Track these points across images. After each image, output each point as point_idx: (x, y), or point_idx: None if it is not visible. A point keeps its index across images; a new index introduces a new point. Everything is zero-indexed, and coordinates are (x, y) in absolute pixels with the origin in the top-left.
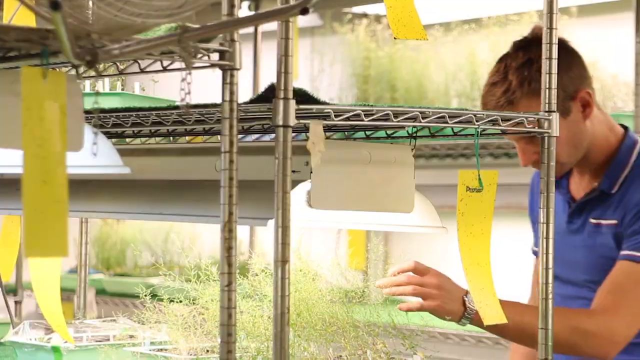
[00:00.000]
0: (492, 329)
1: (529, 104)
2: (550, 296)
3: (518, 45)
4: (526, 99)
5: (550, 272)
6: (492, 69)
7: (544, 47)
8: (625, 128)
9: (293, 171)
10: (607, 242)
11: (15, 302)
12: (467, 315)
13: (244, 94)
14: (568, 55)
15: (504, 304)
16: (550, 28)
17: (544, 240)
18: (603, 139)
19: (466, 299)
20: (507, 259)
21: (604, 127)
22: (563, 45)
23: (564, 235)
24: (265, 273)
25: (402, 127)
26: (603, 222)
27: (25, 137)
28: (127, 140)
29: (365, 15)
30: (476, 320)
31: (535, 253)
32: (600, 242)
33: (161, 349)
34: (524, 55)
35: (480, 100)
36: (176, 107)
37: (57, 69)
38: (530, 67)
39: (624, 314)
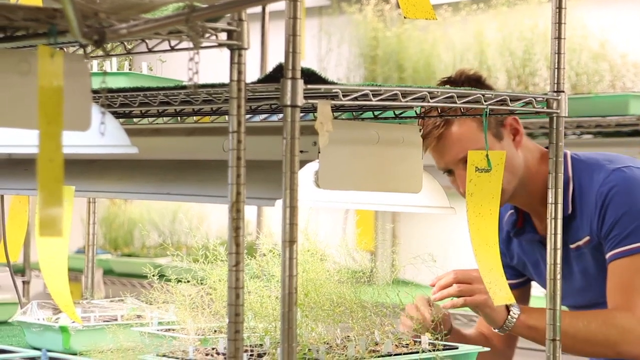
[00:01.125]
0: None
1: (465, 124)
2: (558, 277)
3: (444, 81)
4: (457, 125)
5: (559, 252)
6: None
7: (552, 27)
8: None
9: (301, 151)
10: (594, 259)
11: (23, 282)
12: (508, 322)
13: (252, 73)
14: (490, 87)
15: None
16: (560, 8)
17: (552, 220)
18: (536, 167)
19: (509, 305)
20: None
21: (536, 155)
22: (481, 79)
23: None
24: (273, 253)
25: (411, 107)
26: (581, 242)
27: (40, 116)
28: (135, 120)
29: None
30: (519, 328)
31: None
32: (590, 261)
33: (169, 329)
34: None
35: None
36: (184, 87)
37: (64, 49)
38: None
39: None
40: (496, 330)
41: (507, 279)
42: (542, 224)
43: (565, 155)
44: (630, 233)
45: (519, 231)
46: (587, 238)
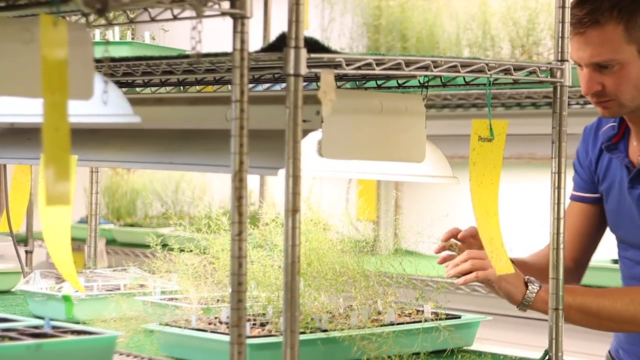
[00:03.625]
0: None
1: (615, 31)
2: (561, 246)
3: None
4: (613, 25)
5: (562, 222)
6: None
7: None
8: None
9: (304, 120)
10: None
11: (26, 252)
12: (527, 298)
13: (255, 43)
14: None
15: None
16: None
17: (555, 190)
18: None
19: (527, 281)
20: (519, 209)
21: None
22: None
23: (626, 201)
24: (276, 223)
25: (414, 77)
26: None
27: (44, 85)
28: (137, 89)
29: None
30: (538, 303)
31: (575, 197)
32: None
33: (172, 298)
34: None
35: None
36: (187, 56)
37: (67, 17)
38: None
39: None
40: (517, 308)
41: (584, 192)
42: (633, 148)
43: None
44: None
45: (611, 146)
46: None
